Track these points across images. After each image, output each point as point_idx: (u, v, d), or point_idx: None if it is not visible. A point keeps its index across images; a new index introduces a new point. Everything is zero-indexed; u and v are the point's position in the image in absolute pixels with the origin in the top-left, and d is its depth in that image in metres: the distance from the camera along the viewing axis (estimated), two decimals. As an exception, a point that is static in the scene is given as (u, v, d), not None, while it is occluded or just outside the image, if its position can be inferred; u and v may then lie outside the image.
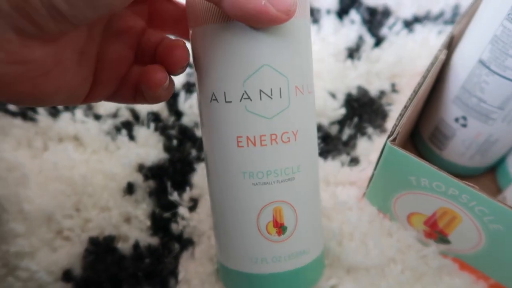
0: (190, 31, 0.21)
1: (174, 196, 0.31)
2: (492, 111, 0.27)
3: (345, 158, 0.34)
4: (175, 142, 0.33)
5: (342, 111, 0.36)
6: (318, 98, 0.36)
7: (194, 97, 0.36)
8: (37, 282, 0.27)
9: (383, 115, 0.37)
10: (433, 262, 0.28)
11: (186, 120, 0.35)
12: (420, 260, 0.28)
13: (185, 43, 0.21)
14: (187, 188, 0.31)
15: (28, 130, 0.33)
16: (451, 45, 0.29)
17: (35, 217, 0.29)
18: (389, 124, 0.36)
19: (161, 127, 0.34)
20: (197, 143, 0.34)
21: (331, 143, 0.35)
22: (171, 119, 0.35)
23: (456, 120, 0.30)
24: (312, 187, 0.23)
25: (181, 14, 0.23)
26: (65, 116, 0.34)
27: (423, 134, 0.34)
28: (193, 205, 0.31)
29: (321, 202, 0.30)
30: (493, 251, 0.25)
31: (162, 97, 0.22)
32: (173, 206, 0.30)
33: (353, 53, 0.40)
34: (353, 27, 0.41)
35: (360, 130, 0.36)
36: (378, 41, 0.41)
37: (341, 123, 0.36)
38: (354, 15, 0.42)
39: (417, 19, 0.43)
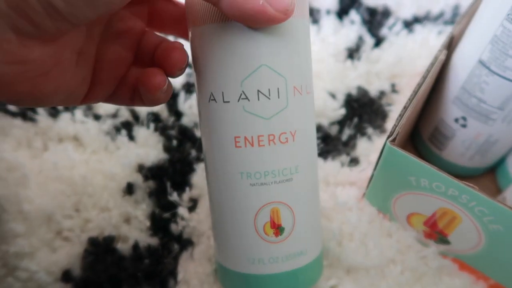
0: (189, 31, 0.21)
1: (174, 197, 0.31)
2: (492, 112, 0.27)
3: (345, 158, 0.34)
4: (175, 142, 0.33)
5: (342, 111, 0.36)
6: (318, 99, 0.36)
7: (194, 97, 0.36)
8: (36, 283, 0.27)
9: (383, 116, 0.37)
10: (433, 263, 0.28)
11: (186, 121, 0.35)
12: (419, 260, 0.28)
13: (183, 45, 0.21)
14: (187, 189, 0.31)
15: (28, 130, 0.33)
16: (451, 46, 0.29)
17: (35, 217, 0.29)
18: (389, 124, 0.36)
19: (161, 127, 0.34)
20: (197, 143, 0.34)
21: (331, 144, 0.35)
22: (171, 119, 0.35)
23: (456, 120, 0.29)
24: (310, 188, 0.23)
25: (181, 14, 0.23)
26: (65, 116, 0.34)
27: (423, 134, 0.34)
28: (193, 205, 0.31)
29: (321, 202, 0.30)
30: (493, 251, 0.25)
31: (160, 100, 0.22)
32: (172, 206, 0.30)
33: (353, 53, 0.40)
34: (353, 28, 0.41)
35: (360, 131, 0.36)
36: (378, 42, 0.41)
37: (341, 123, 0.36)
38: (354, 15, 0.42)
39: (417, 20, 0.43)
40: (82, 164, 0.32)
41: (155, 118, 0.35)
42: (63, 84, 0.19)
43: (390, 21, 0.42)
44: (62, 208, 0.29)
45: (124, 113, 0.35)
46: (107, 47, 0.21)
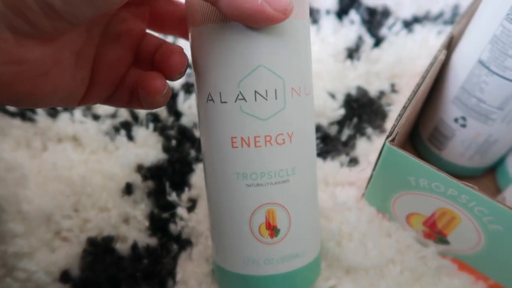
0: (189, 32, 0.21)
1: (173, 197, 0.31)
2: (491, 112, 0.27)
3: (344, 158, 0.34)
4: (174, 142, 0.33)
5: (342, 111, 0.36)
6: (317, 99, 0.36)
7: (193, 97, 0.36)
8: (35, 283, 0.27)
9: (383, 116, 0.37)
10: (432, 263, 0.28)
11: (185, 121, 0.35)
12: (419, 260, 0.28)
13: (183, 49, 0.21)
14: (186, 189, 0.31)
15: (27, 131, 0.33)
16: (450, 45, 0.29)
17: (34, 218, 0.29)
18: (389, 124, 0.36)
19: (160, 127, 0.34)
20: (196, 143, 0.34)
21: (330, 144, 0.35)
22: (170, 119, 0.35)
23: (456, 120, 0.29)
24: (308, 190, 0.22)
25: (181, 14, 0.23)
26: (64, 117, 0.34)
27: (422, 134, 0.34)
28: (192, 205, 0.31)
29: (320, 202, 0.30)
30: (492, 251, 0.25)
31: (159, 104, 0.22)
32: (171, 206, 0.30)
33: (352, 53, 0.40)
34: (352, 28, 0.41)
35: (359, 131, 0.35)
36: (378, 41, 0.41)
37: (341, 123, 0.36)
38: (353, 15, 0.42)
39: (416, 19, 0.43)
40: (81, 164, 0.32)
41: (154, 118, 0.35)
42: (62, 84, 0.19)
43: (390, 21, 0.42)
44: (61, 208, 0.29)
45: (123, 113, 0.35)
46: (107, 48, 0.21)
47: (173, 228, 0.30)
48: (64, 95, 0.19)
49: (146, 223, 0.30)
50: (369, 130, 0.35)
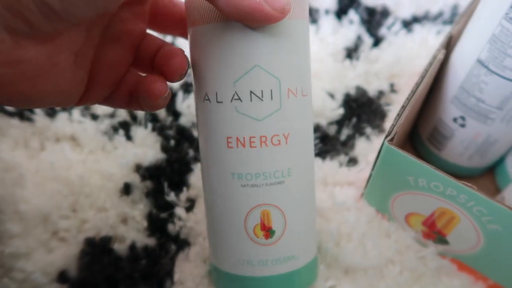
0: (189, 32, 0.21)
1: (171, 197, 0.30)
2: (490, 111, 0.27)
3: (343, 158, 0.34)
4: (172, 142, 0.33)
5: (341, 111, 0.36)
6: (316, 98, 0.36)
7: (192, 97, 0.35)
8: (32, 283, 0.27)
9: (382, 115, 0.37)
10: (432, 263, 0.28)
11: (183, 121, 0.35)
12: (418, 260, 0.28)
13: (183, 51, 0.21)
14: (184, 189, 0.31)
15: (25, 130, 0.33)
16: (449, 45, 0.29)
17: (31, 218, 0.29)
18: (388, 124, 0.36)
19: (159, 127, 0.34)
20: (195, 143, 0.34)
21: (329, 143, 0.35)
22: (169, 119, 0.35)
23: (455, 120, 0.29)
24: (303, 192, 0.22)
25: (182, 14, 0.23)
26: (62, 116, 0.33)
27: (421, 134, 0.34)
28: (190, 205, 0.31)
29: (319, 202, 0.30)
30: (491, 251, 0.25)
31: (159, 106, 0.22)
32: (170, 206, 0.30)
33: (351, 53, 0.40)
34: (351, 27, 0.41)
35: (358, 130, 0.35)
36: (377, 41, 0.41)
37: (340, 123, 0.36)
38: (352, 15, 0.42)
39: (416, 19, 0.43)
40: (79, 164, 0.32)
41: (152, 118, 0.35)
42: (61, 84, 0.19)
43: (389, 21, 0.42)
44: (58, 208, 0.29)
45: (122, 113, 0.35)
46: (107, 48, 0.21)
47: (172, 228, 0.29)
48: (63, 95, 0.19)
49: (144, 223, 0.29)
50: (368, 130, 0.35)
